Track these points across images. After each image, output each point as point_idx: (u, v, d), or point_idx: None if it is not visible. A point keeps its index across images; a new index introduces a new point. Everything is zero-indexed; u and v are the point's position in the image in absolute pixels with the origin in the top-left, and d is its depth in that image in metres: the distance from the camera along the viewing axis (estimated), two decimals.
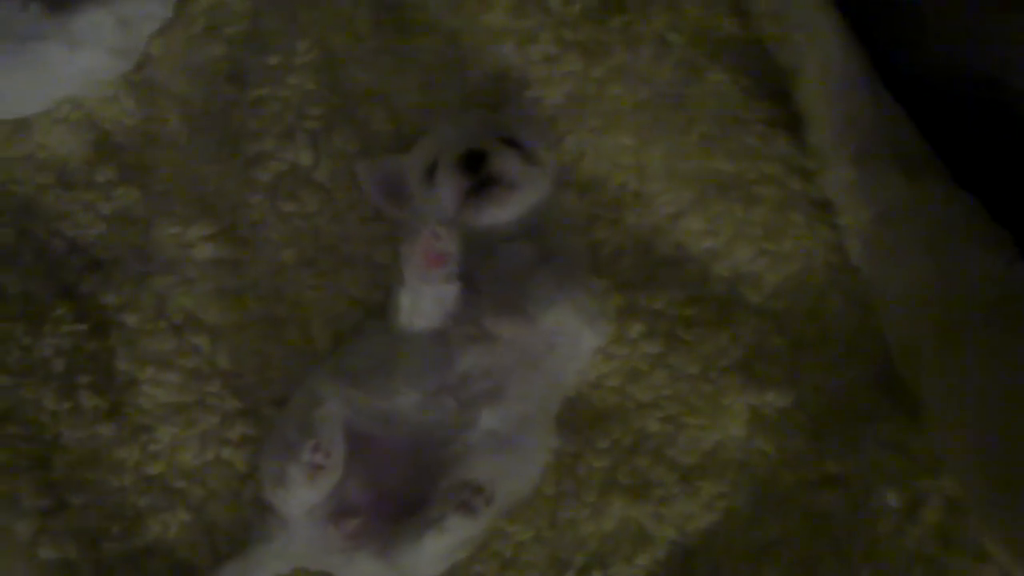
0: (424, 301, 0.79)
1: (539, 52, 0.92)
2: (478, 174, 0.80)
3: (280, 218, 0.90)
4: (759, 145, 0.90)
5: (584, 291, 0.83)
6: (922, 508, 0.78)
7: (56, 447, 0.84)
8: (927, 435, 0.79)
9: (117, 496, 0.83)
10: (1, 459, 0.83)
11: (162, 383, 0.86)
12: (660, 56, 0.92)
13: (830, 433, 0.81)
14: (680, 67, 0.92)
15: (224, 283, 0.89)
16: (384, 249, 0.89)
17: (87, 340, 0.87)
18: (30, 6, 0.88)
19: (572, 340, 0.81)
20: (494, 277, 0.81)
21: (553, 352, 0.81)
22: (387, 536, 0.74)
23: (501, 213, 0.81)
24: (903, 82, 0.86)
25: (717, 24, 0.94)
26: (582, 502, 0.81)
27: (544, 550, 0.80)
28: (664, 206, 0.90)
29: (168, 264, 0.89)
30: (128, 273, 0.90)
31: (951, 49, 0.82)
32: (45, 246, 0.91)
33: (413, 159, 0.86)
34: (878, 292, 0.83)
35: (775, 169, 0.89)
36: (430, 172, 0.83)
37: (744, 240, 0.88)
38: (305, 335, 0.88)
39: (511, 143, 0.83)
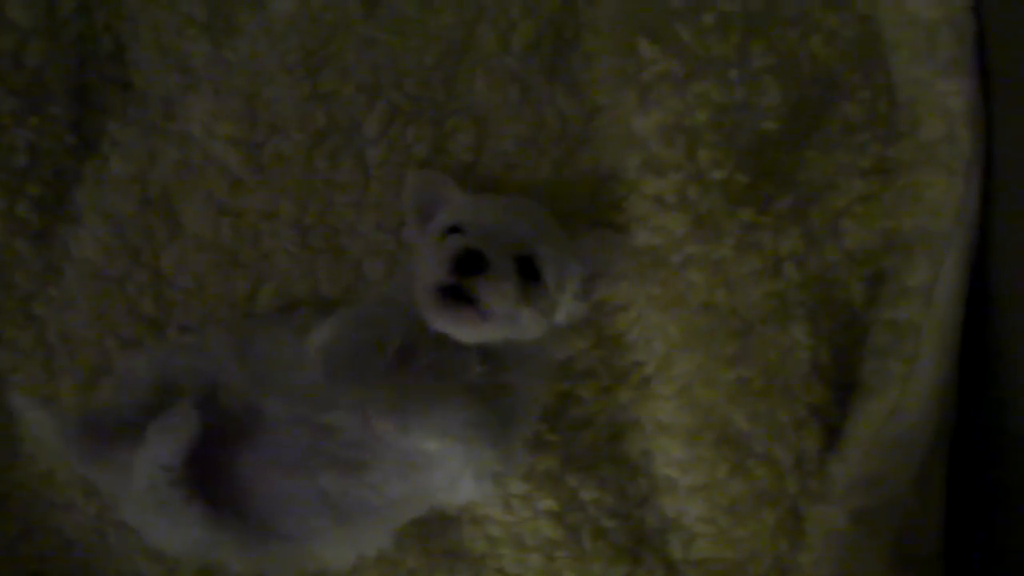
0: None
1: (655, 188, 0.82)
2: (463, 278, 0.69)
3: (306, 168, 0.83)
4: (788, 427, 0.81)
5: (497, 443, 0.73)
6: None
7: None
8: None
9: None
10: None
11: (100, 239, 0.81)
12: (762, 278, 0.81)
13: None
14: (772, 300, 0.81)
15: (214, 194, 0.83)
16: (376, 266, 0.83)
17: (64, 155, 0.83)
18: None
19: (447, 480, 0.74)
20: (422, 365, 0.73)
21: (429, 470, 0.73)
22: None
23: (459, 333, 0.72)
24: None
25: (844, 287, 0.83)
26: None
27: None
28: (660, 413, 0.82)
29: (183, 137, 0.84)
30: (143, 116, 0.85)
31: None
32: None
33: (453, 202, 0.78)
34: None
35: (784, 461, 0.81)
36: (448, 230, 0.73)
37: (706, 499, 0.81)
38: (250, 290, 0.83)
39: (527, 268, 0.72)
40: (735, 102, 0.82)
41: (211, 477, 0.73)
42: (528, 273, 0.72)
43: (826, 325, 0.82)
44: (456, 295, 0.69)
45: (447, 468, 0.73)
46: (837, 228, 0.83)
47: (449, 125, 0.84)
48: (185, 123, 0.84)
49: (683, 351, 0.81)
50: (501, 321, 0.71)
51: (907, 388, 0.79)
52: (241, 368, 0.75)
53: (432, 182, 0.80)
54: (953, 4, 0.81)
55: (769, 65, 0.83)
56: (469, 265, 0.69)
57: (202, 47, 0.86)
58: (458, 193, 0.79)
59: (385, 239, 0.83)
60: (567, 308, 0.77)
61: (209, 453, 0.72)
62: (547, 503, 0.81)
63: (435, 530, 0.81)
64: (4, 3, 0.84)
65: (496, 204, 0.77)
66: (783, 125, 0.83)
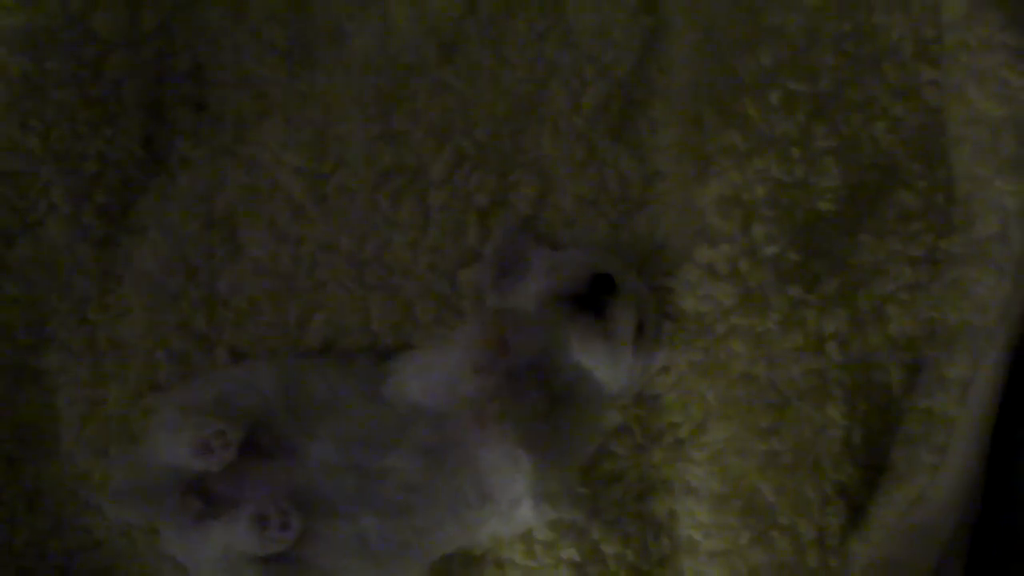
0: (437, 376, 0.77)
1: (707, 257, 0.84)
2: (599, 294, 0.76)
3: (369, 204, 0.86)
4: (814, 503, 0.83)
5: (557, 468, 0.78)
6: None
7: None
8: None
9: None
10: None
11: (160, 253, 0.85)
12: (804, 355, 0.84)
13: None
14: (811, 378, 0.83)
15: (276, 220, 0.86)
16: (427, 307, 0.85)
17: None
18: None
19: (508, 503, 0.77)
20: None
21: (483, 507, 0.77)
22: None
23: (582, 344, 0.77)
24: None
25: (883, 372, 0.85)
26: None
27: None
28: (690, 476, 0.85)
29: (252, 161, 0.87)
30: (214, 137, 0.89)
31: None
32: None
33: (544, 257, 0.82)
34: None
35: (807, 535, 0.83)
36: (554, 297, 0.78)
37: (726, 564, 0.83)
38: (301, 317, 0.85)
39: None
40: (794, 180, 0.85)
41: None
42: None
43: (862, 407, 0.84)
44: (589, 307, 0.75)
45: (507, 494, 0.76)
46: (882, 313, 0.85)
47: (513, 177, 0.87)
48: (255, 148, 0.88)
49: (719, 418, 0.84)
50: (618, 347, 0.77)
51: (935, 478, 0.81)
52: (286, 409, 0.78)
53: (520, 236, 0.84)
54: (1019, 103, 0.83)
55: (831, 147, 0.86)
56: (604, 285, 0.75)
57: (279, 75, 0.90)
58: (547, 250, 0.83)
59: (439, 282, 0.85)
60: (642, 374, 0.82)
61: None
62: (569, 552, 0.83)
63: (457, 571, 0.84)
64: (89, 15, 0.86)
65: (608, 258, 0.82)
66: (839, 207, 0.85)
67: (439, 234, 0.86)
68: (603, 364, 0.79)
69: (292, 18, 0.91)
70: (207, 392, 0.79)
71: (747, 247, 0.84)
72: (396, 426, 0.77)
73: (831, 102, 0.87)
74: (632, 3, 0.90)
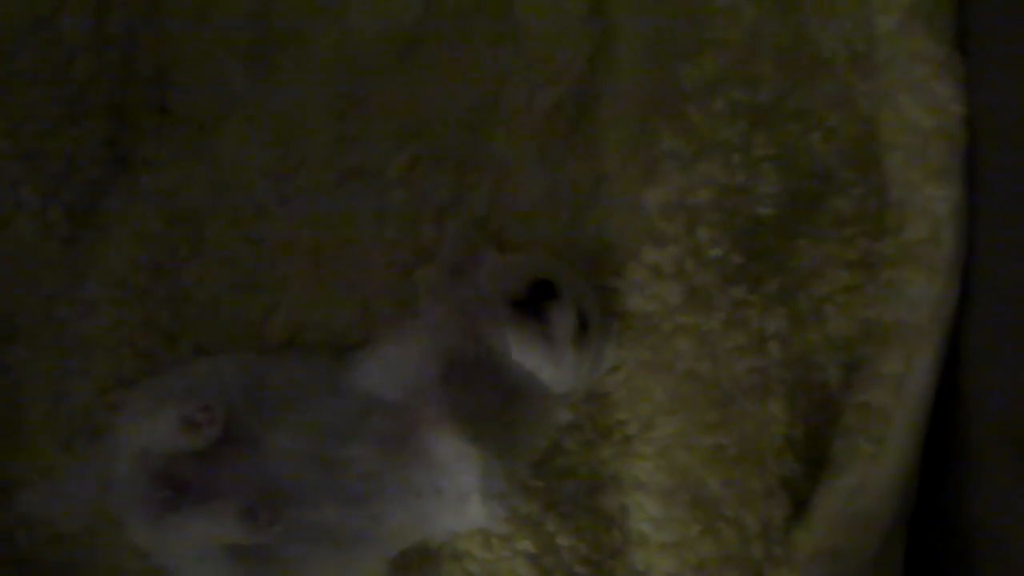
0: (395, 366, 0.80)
1: (654, 258, 0.88)
2: (538, 299, 0.80)
3: (329, 202, 0.91)
4: (758, 496, 0.86)
5: (507, 464, 0.81)
6: None
7: None
8: None
9: None
10: None
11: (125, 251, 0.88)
12: (746, 353, 0.87)
13: None
14: (753, 375, 0.87)
15: (239, 218, 0.90)
16: (383, 302, 0.89)
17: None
18: None
19: (457, 500, 0.79)
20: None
21: (433, 499, 0.79)
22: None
23: (521, 348, 0.80)
24: None
25: (822, 369, 0.89)
26: None
27: None
28: (639, 471, 0.87)
29: (215, 161, 0.91)
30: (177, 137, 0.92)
31: None
32: None
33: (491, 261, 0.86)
34: None
35: (752, 527, 0.86)
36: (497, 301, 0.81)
37: (675, 556, 0.86)
38: (264, 313, 0.88)
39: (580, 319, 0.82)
40: (736, 185, 0.89)
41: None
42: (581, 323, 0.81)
43: (802, 403, 0.88)
44: (528, 312, 0.78)
45: (457, 488, 0.78)
46: (821, 314, 0.89)
47: (468, 177, 0.91)
48: (218, 148, 0.91)
49: (666, 415, 0.87)
50: (558, 349, 0.79)
51: (873, 467, 0.85)
52: (248, 401, 0.79)
53: (470, 240, 0.88)
54: (947, 113, 0.88)
55: (770, 155, 0.90)
56: (544, 289, 0.79)
57: (240, 78, 0.93)
58: (495, 254, 0.87)
59: (395, 279, 0.89)
60: (590, 373, 0.85)
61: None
62: (525, 544, 0.85)
63: (414, 564, 0.85)
64: (57, 17, 0.89)
65: (552, 263, 0.86)
66: (779, 212, 0.90)
67: (396, 233, 0.89)
68: (544, 365, 0.81)
69: (253, 23, 0.94)
70: (174, 384, 0.80)
71: (692, 248, 0.88)
72: (356, 417, 0.79)
73: (771, 112, 0.91)
74: (581, 10, 0.94)
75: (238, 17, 0.94)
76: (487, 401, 0.80)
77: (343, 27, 0.94)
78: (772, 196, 0.89)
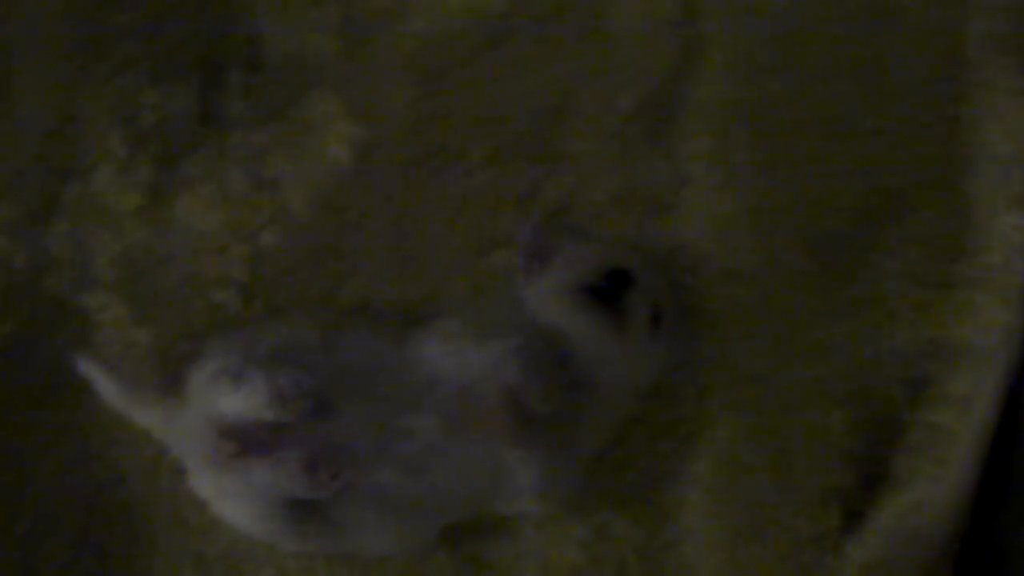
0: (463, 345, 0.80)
1: (731, 260, 0.89)
2: (614, 286, 0.80)
3: (411, 179, 0.91)
4: (815, 504, 0.86)
5: (569, 458, 0.82)
6: None
7: None
8: None
9: None
10: None
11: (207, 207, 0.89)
12: (813, 361, 0.88)
13: None
14: (817, 384, 0.88)
15: (321, 186, 0.90)
16: (455, 283, 0.89)
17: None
18: None
19: (512, 483, 0.79)
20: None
21: (492, 477, 0.79)
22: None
23: (594, 335, 0.80)
24: None
25: (888, 385, 0.88)
26: None
27: None
28: (697, 470, 0.88)
29: (303, 126, 0.92)
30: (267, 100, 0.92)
31: None
32: None
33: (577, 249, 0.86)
34: None
35: (804, 533, 0.86)
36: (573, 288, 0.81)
37: (723, 554, 0.86)
38: (337, 280, 0.89)
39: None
40: (812, 197, 0.90)
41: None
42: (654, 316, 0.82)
43: (864, 415, 0.88)
44: (603, 300, 0.79)
45: (512, 477, 0.78)
46: (889, 329, 0.89)
47: (548, 168, 0.91)
48: (305, 114, 0.91)
49: (728, 415, 0.88)
50: (630, 339, 0.80)
51: (933, 487, 0.85)
52: (325, 363, 0.80)
53: (551, 227, 0.88)
54: None
55: (848, 170, 0.90)
56: (620, 279, 0.79)
57: (332, 47, 0.94)
58: (573, 243, 0.87)
59: (470, 261, 0.89)
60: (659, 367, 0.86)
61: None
62: (577, 530, 0.86)
63: (467, 535, 0.86)
64: None
65: (629, 254, 0.86)
66: (854, 225, 0.90)
67: (475, 216, 0.90)
68: (615, 355, 0.82)
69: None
70: (258, 348, 0.80)
71: (767, 255, 0.88)
72: (422, 389, 0.79)
73: (850, 128, 0.92)
74: (673, 15, 0.95)
75: None
76: (555, 392, 0.80)
77: (434, 13, 0.95)
78: (847, 209, 0.90)
